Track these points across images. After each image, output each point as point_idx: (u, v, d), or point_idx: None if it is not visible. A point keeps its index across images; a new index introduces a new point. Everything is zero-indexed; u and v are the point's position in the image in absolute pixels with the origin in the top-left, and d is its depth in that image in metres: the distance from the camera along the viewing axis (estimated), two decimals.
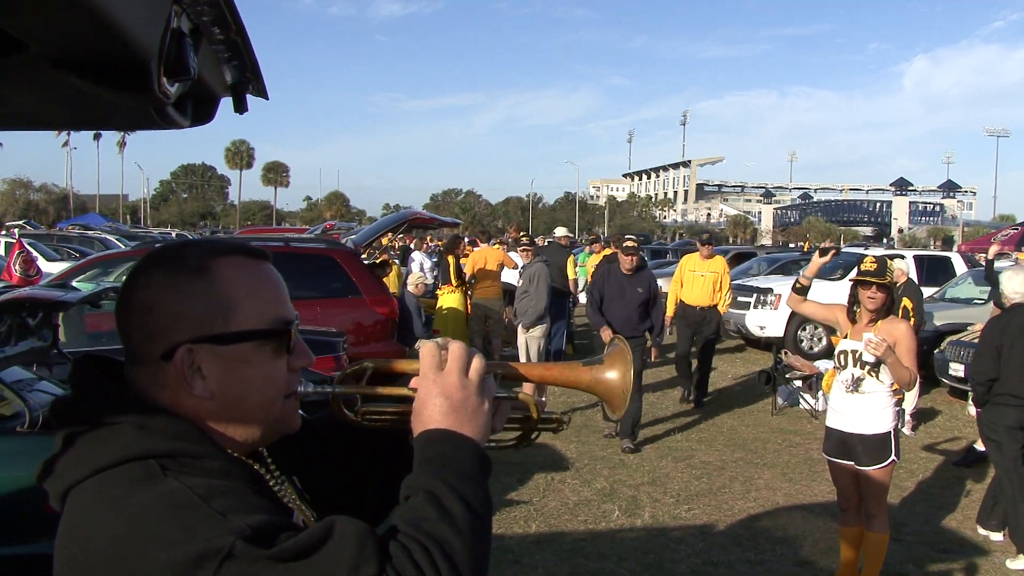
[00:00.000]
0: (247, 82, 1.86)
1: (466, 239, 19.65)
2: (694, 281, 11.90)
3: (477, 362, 1.38)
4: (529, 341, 10.94)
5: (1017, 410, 6.24)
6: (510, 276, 14.06)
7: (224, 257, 1.32)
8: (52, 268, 18.11)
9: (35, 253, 15.77)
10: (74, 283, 7.44)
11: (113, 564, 1.11)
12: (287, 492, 1.41)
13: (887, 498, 5.59)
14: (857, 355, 5.43)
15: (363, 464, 1.61)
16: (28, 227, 37.69)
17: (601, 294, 9.40)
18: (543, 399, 1.84)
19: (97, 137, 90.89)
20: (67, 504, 1.21)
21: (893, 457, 5.37)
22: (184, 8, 1.35)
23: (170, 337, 1.26)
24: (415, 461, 1.29)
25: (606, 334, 9.08)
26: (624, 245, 9.62)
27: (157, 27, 1.26)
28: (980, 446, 8.69)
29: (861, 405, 5.44)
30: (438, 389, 1.34)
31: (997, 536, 6.60)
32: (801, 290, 5.75)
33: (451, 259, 13.44)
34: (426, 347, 1.40)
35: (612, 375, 1.50)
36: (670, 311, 11.90)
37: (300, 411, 1.45)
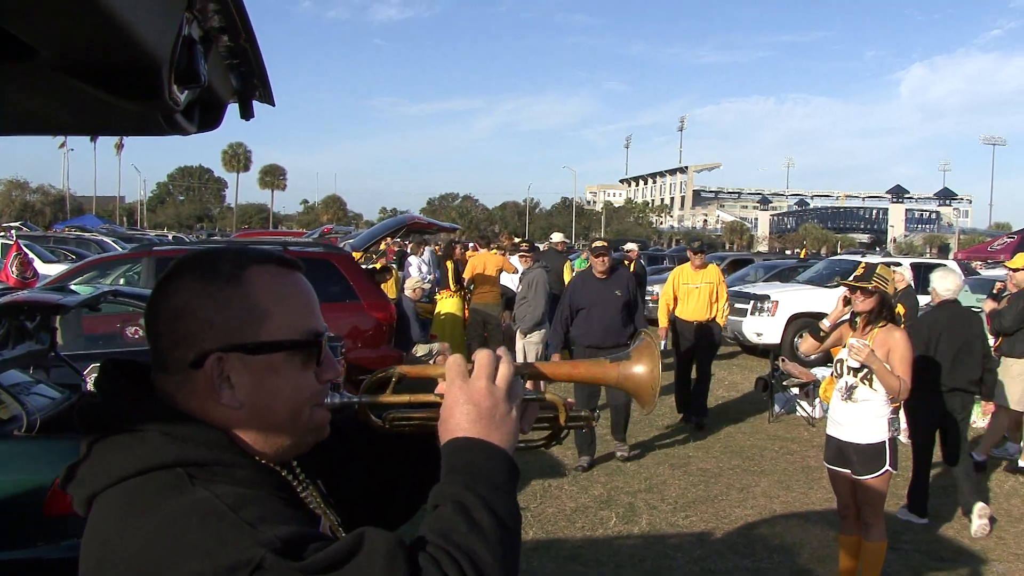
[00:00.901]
0: (254, 88, 1.86)
1: (470, 245, 19.66)
2: (688, 295, 11.03)
3: (504, 368, 1.37)
4: (527, 347, 10.95)
5: (940, 398, 7.18)
6: (509, 281, 14.07)
7: (257, 266, 1.32)
8: (49, 270, 18.07)
9: (31, 255, 15.73)
10: (72, 286, 7.42)
11: (141, 573, 1.10)
12: (313, 496, 1.40)
13: (884, 507, 5.58)
14: (847, 362, 5.44)
15: (389, 466, 1.60)
16: (25, 228, 37.59)
17: (578, 307, 8.83)
18: (569, 399, 1.82)
19: (94, 139, 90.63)
20: (92, 511, 1.21)
21: (887, 467, 5.36)
22: (196, 15, 1.35)
23: (200, 345, 1.26)
24: (443, 470, 1.29)
25: (554, 359, 8.30)
26: (593, 246, 9.26)
27: (170, 34, 1.26)
28: (979, 455, 8.72)
29: (855, 414, 5.44)
30: (465, 396, 1.34)
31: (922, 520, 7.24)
32: (821, 338, 5.71)
33: (450, 264, 13.45)
34: (453, 357, 1.40)
35: (640, 369, 1.49)
36: (663, 322, 11.22)
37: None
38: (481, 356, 1.38)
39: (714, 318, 10.97)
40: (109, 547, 1.15)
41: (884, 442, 5.36)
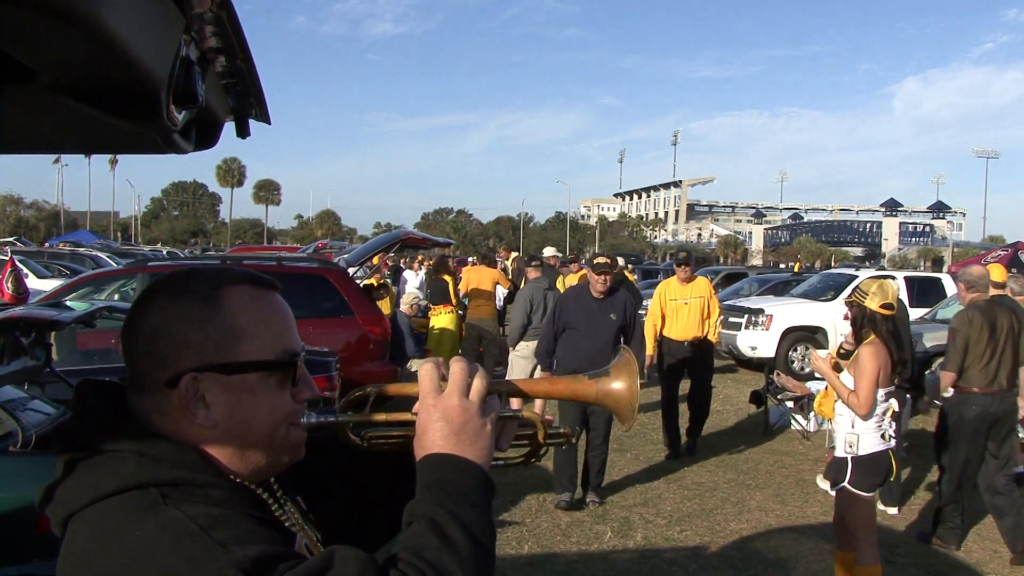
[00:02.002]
0: (250, 107, 1.87)
1: (470, 260, 19.63)
2: (677, 312, 10.04)
3: (478, 383, 1.37)
4: (514, 360, 10.83)
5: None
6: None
7: (233, 286, 1.32)
8: (43, 285, 18.06)
9: (25, 270, 15.72)
10: (67, 301, 7.43)
11: None
12: (291, 514, 1.41)
13: (868, 530, 5.43)
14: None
15: (368, 481, 1.60)
16: (19, 244, 37.55)
17: (566, 325, 7.96)
18: (548, 416, 1.80)
19: (89, 155, 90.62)
20: (68, 532, 1.21)
21: (843, 483, 5.27)
22: (193, 36, 1.36)
23: (176, 364, 1.26)
24: (417, 486, 1.29)
25: (540, 376, 7.58)
26: (595, 263, 8.18)
27: (168, 56, 1.27)
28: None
29: (837, 427, 5.49)
30: (438, 413, 1.33)
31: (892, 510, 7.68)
32: (846, 355, 5.67)
33: (449, 279, 13.46)
34: (424, 368, 1.39)
35: (618, 386, 1.49)
36: (650, 349, 9.97)
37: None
38: (455, 370, 1.37)
39: (705, 337, 10.11)
40: (83, 568, 1.16)
41: (846, 458, 5.30)
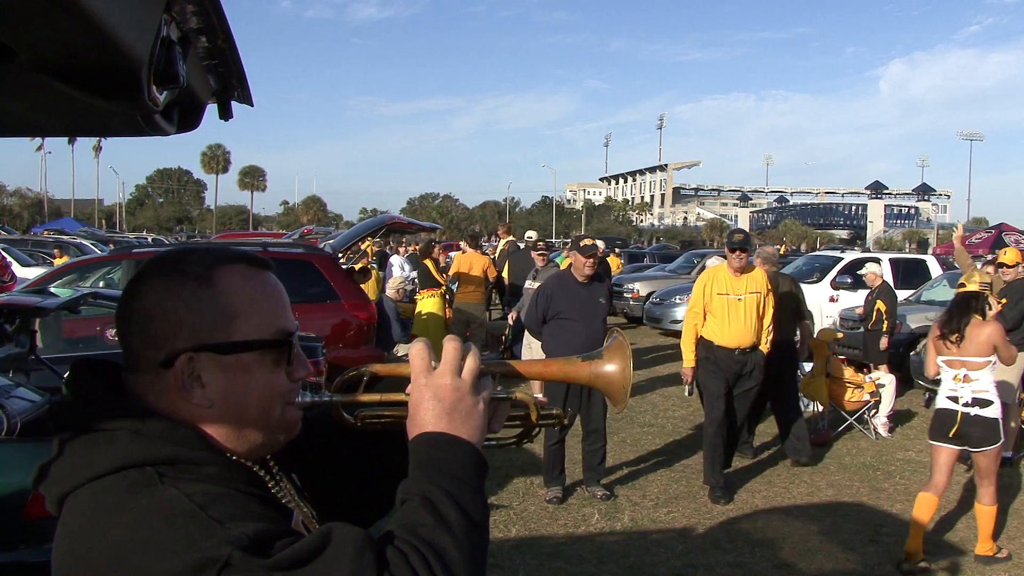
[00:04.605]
0: (232, 89, 1.87)
1: (460, 245, 19.60)
2: (729, 310, 7.76)
3: (471, 361, 1.38)
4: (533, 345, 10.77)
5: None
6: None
7: (227, 266, 1.32)
8: (27, 273, 17.96)
9: (9, 258, 15.63)
10: (51, 288, 7.40)
11: (111, 573, 1.11)
12: (287, 491, 1.41)
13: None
14: None
15: (363, 461, 1.60)
16: (3, 232, 37.35)
17: (556, 314, 7.52)
18: (543, 396, 1.78)
19: (72, 141, 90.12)
20: (64, 510, 1.21)
21: (1000, 440, 6.14)
22: (174, 16, 1.36)
23: (171, 345, 1.26)
24: (411, 465, 1.30)
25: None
26: (581, 245, 7.56)
27: (148, 35, 1.27)
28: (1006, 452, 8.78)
29: (987, 392, 6.17)
30: (430, 392, 1.34)
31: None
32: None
33: (430, 263, 13.45)
34: (415, 348, 1.40)
35: (611, 368, 1.50)
36: (689, 360, 7.96)
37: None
38: (448, 349, 1.38)
39: (757, 346, 7.91)
40: (80, 547, 1.16)
41: (996, 419, 6.11)
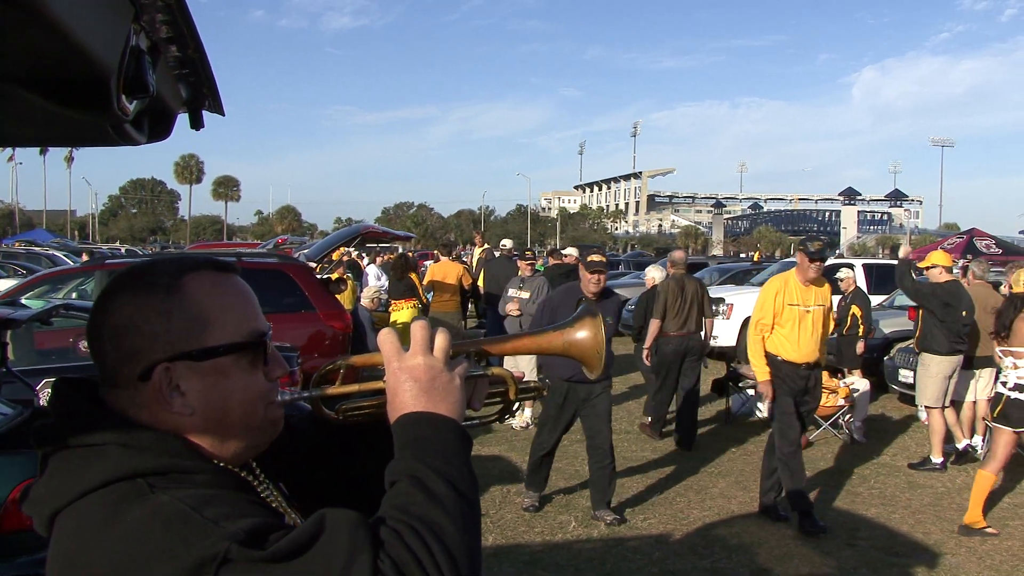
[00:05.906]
0: (203, 98, 1.87)
1: (434, 254, 19.60)
2: (798, 323, 7.14)
3: (440, 339, 1.39)
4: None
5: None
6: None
7: (194, 273, 1.33)
8: None
9: None
10: (23, 300, 7.33)
11: None
12: (275, 498, 1.42)
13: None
14: None
15: (350, 454, 1.61)
16: None
17: (554, 319, 6.58)
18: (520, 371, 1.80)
19: (44, 151, 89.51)
20: (55, 529, 1.21)
21: None
22: (143, 26, 1.35)
23: (147, 357, 1.27)
24: (395, 447, 1.30)
25: None
26: (589, 260, 7.14)
27: (117, 45, 1.26)
28: (936, 456, 8.85)
29: None
30: (405, 374, 1.35)
31: None
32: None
33: (415, 276, 13.46)
34: (382, 335, 1.40)
35: (583, 334, 1.52)
36: (765, 372, 7.24)
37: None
38: (416, 330, 1.38)
39: (818, 362, 7.36)
40: (76, 564, 1.15)
41: None
